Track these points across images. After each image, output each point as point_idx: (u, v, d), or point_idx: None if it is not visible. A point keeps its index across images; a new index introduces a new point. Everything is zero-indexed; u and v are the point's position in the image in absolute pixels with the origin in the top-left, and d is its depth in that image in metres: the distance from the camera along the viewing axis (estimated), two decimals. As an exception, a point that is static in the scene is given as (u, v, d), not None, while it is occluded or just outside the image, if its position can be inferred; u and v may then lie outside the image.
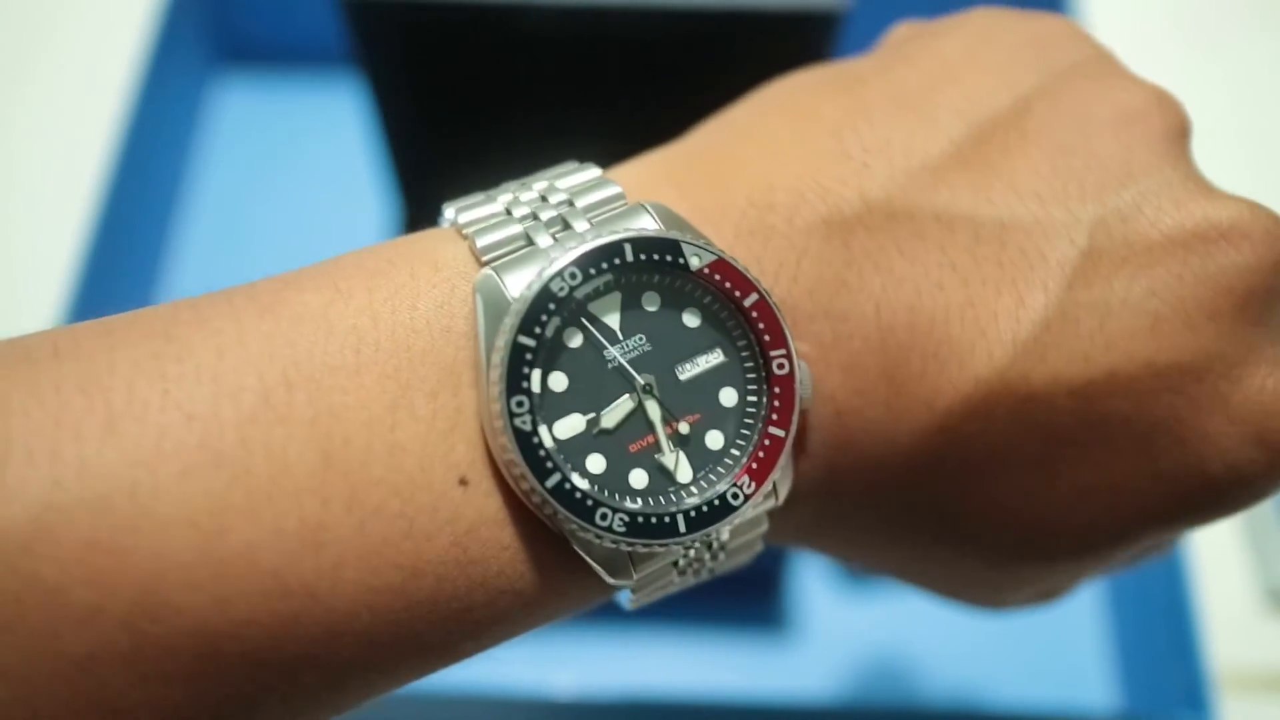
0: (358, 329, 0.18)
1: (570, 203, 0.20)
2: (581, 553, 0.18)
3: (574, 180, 0.20)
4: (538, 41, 0.40)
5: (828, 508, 0.21)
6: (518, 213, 0.19)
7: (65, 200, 0.54)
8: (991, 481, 0.20)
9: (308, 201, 0.58)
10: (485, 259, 0.18)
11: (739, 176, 0.21)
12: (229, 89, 0.62)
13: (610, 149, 0.22)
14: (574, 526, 0.18)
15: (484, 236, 0.19)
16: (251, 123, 0.61)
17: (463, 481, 0.17)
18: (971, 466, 0.20)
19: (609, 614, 0.48)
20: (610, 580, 0.19)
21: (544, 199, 0.20)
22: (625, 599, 0.20)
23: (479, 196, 0.20)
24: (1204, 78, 0.62)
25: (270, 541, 0.16)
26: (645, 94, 0.39)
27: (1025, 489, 0.20)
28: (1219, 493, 0.20)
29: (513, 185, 0.21)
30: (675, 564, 0.20)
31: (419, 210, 0.48)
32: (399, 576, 0.17)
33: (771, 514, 0.20)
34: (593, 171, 0.20)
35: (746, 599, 0.48)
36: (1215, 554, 0.48)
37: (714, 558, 0.21)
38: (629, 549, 0.18)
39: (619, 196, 0.20)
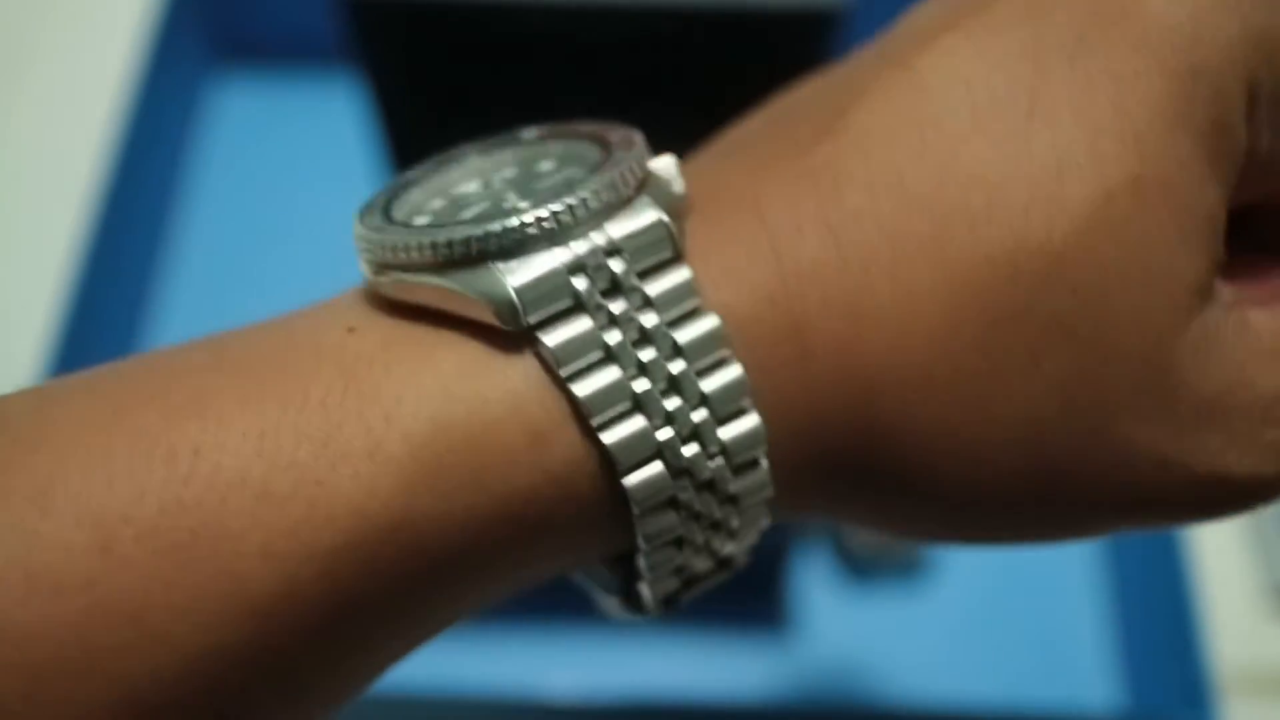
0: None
1: None
2: (451, 287, 0.16)
3: None
4: (538, 41, 0.40)
5: (853, 373, 0.17)
6: None
7: (61, 198, 0.54)
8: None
9: (306, 200, 0.58)
10: None
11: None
12: (227, 87, 0.62)
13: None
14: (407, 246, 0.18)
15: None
16: (250, 121, 0.61)
17: (350, 329, 0.17)
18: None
19: (609, 614, 0.48)
20: (504, 317, 0.16)
21: None
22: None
23: None
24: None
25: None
26: (645, 94, 0.39)
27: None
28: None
29: None
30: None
31: (418, 209, 0.48)
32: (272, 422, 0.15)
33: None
34: None
35: (746, 599, 0.48)
36: (1218, 551, 0.48)
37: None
38: (479, 249, 0.16)
39: None
